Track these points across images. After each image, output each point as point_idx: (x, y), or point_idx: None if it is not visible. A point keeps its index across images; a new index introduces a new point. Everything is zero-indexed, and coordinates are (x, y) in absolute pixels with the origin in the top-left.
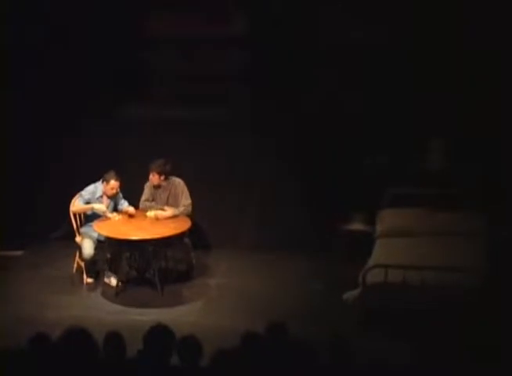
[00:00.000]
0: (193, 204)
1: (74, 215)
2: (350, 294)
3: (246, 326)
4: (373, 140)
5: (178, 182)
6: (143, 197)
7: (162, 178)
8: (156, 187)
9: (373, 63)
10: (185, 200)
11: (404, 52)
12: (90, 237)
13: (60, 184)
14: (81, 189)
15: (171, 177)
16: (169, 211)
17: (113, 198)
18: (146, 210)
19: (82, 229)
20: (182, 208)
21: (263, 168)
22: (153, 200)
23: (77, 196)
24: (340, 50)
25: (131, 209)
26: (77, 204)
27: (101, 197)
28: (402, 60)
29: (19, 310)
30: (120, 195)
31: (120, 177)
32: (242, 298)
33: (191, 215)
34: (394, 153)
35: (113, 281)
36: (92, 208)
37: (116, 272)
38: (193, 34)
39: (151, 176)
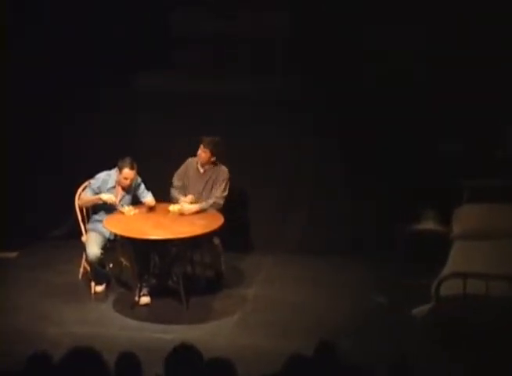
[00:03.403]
0: (228, 197)
1: (81, 208)
2: (420, 309)
3: (289, 346)
4: (447, 124)
5: (223, 170)
6: (174, 183)
7: (213, 159)
8: (195, 171)
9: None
10: (221, 192)
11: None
12: (98, 233)
13: (63, 172)
14: (89, 177)
15: (218, 163)
16: (196, 205)
17: (130, 190)
18: (174, 200)
19: (89, 225)
20: (211, 201)
21: (314, 158)
22: (182, 186)
23: (86, 184)
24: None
25: (150, 199)
26: (83, 196)
27: (113, 187)
28: (481, 37)
29: (14, 325)
30: (142, 186)
31: (136, 165)
32: (284, 312)
33: (221, 210)
34: (472, 139)
35: (145, 299)
36: (100, 199)
37: (145, 285)
38: None
39: (200, 152)
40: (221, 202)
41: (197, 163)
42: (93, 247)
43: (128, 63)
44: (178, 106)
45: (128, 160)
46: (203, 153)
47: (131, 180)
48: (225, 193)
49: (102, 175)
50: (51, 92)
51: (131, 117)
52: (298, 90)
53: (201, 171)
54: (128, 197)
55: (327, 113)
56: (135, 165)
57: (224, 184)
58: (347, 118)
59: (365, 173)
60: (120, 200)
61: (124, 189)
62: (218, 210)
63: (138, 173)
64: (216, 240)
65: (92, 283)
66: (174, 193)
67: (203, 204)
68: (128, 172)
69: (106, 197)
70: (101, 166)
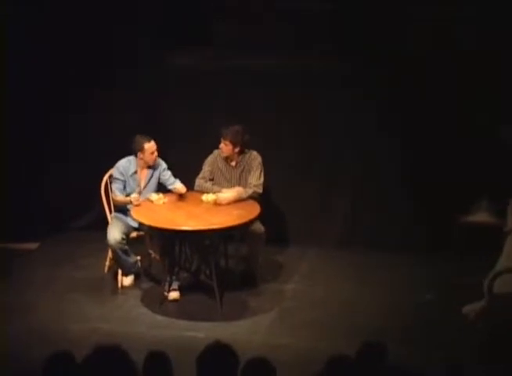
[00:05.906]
0: (266, 185)
1: (107, 195)
2: (472, 308)
3: (330, 347)
4: (502, 112)
5: (254, 156)
6: (201, 174)
7: (236, 150)
8: (225, 164)
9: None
10: (257, 179)
11: None
12: (121, 220)
13: (85, 157)
14: (113, 163)
15: (247, 151)
16: (232, 193)
17: (155, 168)
18: (201, 192)
19: (114, 214)
20: (250, 190)
21: (360, 144)
22: (212, 179)
23: (111, 171)
24: None
25: (180, 185)
26: (113, 197)
27: (135, 172)
28: None
29: (34, 322)
30: (169, 172)
31: (150, 137)
32: (325, 310)
33: (259, 199)
34: None
35: (175, 294)
36: (131, 201)
37: (175, 279)
38: None
39: (222, 145)
40: (260, 190)
41: (225, 157)
42: (114, 231)
43: (156, 42)
44: (213, 85)
45: (138, 137)
46: (224, 146)
47: (156, 150)
48: (262, 180)
49: (121, 163)
50: (68, 77)
51: (159, 98)
52: (347, 68)
53: (233, 164)
54: (154, 177)
55: (378, 96)
56: (150, 137)
57: (258, 170)
58: (399, 107)
59: (415, 164)
60: (149, 181)
61: (151, 165)
62: (256, 199)
63: (165, 160)
64: (261, 228)
65: (119, 277)
66: (204, 183)
67: (242, 193)
68: (150, 145)
69: (134, 197)
70: (128, 152)
